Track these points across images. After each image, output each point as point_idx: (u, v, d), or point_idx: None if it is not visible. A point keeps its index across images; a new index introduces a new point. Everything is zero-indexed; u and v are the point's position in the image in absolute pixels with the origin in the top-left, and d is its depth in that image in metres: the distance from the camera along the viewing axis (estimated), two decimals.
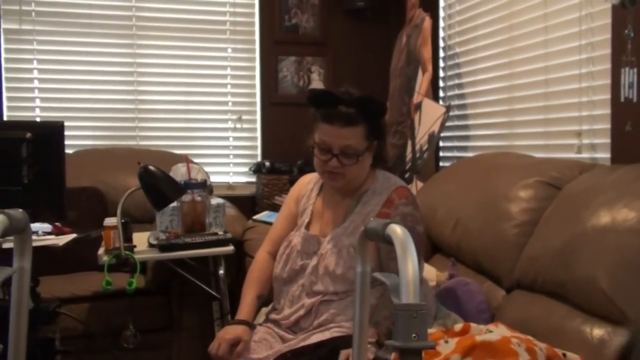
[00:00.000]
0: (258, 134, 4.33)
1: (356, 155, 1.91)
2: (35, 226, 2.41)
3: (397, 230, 0.97)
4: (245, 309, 2.01)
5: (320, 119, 1.94)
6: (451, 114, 3.65)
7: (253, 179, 4.22)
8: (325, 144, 1.91)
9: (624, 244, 1.69)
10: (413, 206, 1.99)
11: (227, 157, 4.30)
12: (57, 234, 2.47)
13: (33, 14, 3.91)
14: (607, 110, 2.41)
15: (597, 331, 1.70)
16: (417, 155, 3.50)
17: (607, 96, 2.39)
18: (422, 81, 3.51)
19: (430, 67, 3.48)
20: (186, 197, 2.45)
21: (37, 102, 3.96)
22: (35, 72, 3.95)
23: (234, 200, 3.73)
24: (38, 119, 3.93)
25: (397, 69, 3.85)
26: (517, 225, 2.19)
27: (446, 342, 1.60)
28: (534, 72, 2.97)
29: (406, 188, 2.05)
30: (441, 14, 3.99)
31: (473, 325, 1.72)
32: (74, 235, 2.45)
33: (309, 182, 2.21)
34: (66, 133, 2.12)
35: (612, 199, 1.82)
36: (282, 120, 4.13)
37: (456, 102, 3.76)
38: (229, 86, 4.29)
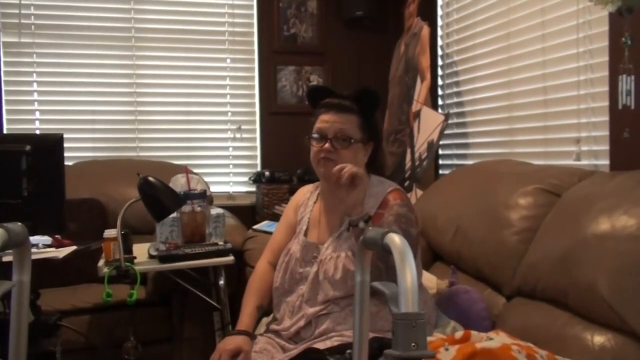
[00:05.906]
0: (257, 143, 4.34)
1: (349, 139, 1.96)
2: (35, 239, 2.41)
3: (395, 240, 0.97)
4: (245, 320, 2.01)
5: (318, 110, 2.04)
6: (450, 121, 3.66)
7: (253, 188, 4.23)
8: (321, 130, 1.99)
9: (624, 250, 1.68)
10: (407, 208, 2.00)
11: (227, 167, 4.31)
12: (57, 247, 2.46)
13: (32, 27, 3.93)
14: (606, 118, 2.41)
15: (598, 338, 1.70)
16: (417, 163, 3.50)
17: (606, 103, 2.39)
18: (421, 89, 3.52)
19: (428, 76, 3.49)
20: (186, 208, 2.46)
21: (37, 115, 3.97)
22: (35, 84, 3.97)
23: (234, 210, 3.73)
24: (38, 132, 3.94)
25: (395, 77, 3.86)
26: (517, 232, 2.19)
27: (446, 349, 1.60)
28: (532, 79, 2.97)
29: (401, 190, 2.05)
30: (439, 22, 4.00)
31: (474, 332, 1.72)
32: (74, 248, 2.44)
33: (307, 192, 2.23)
34: (66, 145, 2.12)
35: (611, 205, 1.82)
36: (282, 130, 4.14)
37: (455, 110, 3.77)
38: (228, 96, 4.30)
